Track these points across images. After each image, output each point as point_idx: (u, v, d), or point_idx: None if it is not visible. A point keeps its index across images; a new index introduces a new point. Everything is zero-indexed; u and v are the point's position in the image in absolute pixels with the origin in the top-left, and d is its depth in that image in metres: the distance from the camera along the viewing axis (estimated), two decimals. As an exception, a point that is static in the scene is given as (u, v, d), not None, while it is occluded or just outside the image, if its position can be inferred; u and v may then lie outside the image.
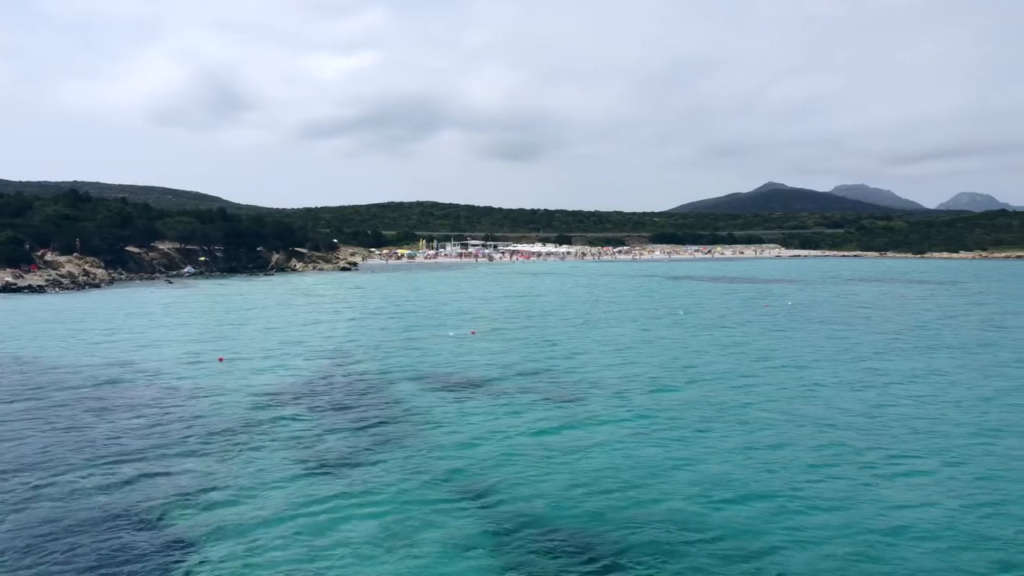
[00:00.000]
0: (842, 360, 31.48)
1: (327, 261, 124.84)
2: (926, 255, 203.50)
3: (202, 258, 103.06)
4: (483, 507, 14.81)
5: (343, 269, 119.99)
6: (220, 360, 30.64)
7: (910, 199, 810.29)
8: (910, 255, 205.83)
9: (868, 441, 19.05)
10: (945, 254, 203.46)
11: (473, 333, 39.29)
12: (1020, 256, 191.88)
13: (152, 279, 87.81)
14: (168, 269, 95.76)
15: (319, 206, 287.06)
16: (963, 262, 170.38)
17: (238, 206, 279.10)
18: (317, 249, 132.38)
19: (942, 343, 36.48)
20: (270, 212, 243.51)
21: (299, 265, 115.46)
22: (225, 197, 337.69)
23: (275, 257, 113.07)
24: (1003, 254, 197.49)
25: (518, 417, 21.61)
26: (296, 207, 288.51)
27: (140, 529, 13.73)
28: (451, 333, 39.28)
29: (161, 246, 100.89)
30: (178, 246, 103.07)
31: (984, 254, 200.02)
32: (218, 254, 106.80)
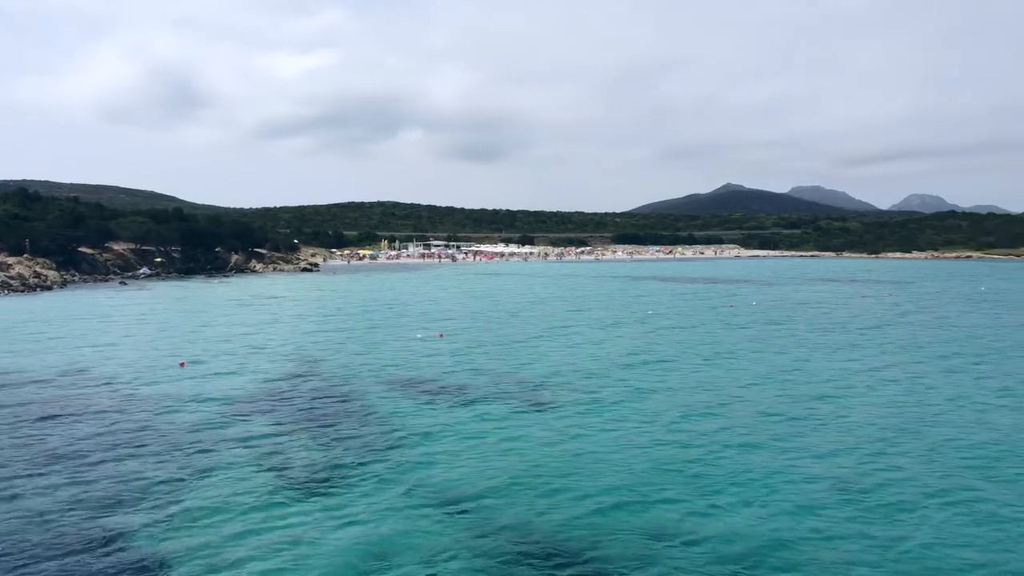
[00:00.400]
0: (811, 359, 31.69)
1: (288, 262, 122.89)
2: (881, 255, 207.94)
3: (158, 259, 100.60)
4: (456, 513, 14.40)
5: (304, 270, 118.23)
6: (182, 365, 29.70)
7: (864, 200, 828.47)
8: (865, 255, 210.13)
9: (853, 445, 19.07)
10: (899, 254, 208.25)
11: (441, 336, 38.77)
12: (969, 256, 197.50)
13: (106, 280, 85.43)
14: (123, 270, 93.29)
15: (278, 206, 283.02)
16: (917, 262, 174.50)
17: (194, 206, 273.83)
18: (277, 250, 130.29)
19: (911, 343, 37.00)
20: (227, 212, 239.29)
21: (259, 266, 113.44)
22: (181, 197, 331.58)
23: (234, 258, 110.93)
24: (954, 254, 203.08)
25: (490, 421, 21.24)
26: (254, 207, 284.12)
27: (95, 547, 13.03)
28: (419, 335, 38.72)
29: (115, 247, 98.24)
30: (133, 247, 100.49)
31: (936, 254, 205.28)
32: (175, 255, 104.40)
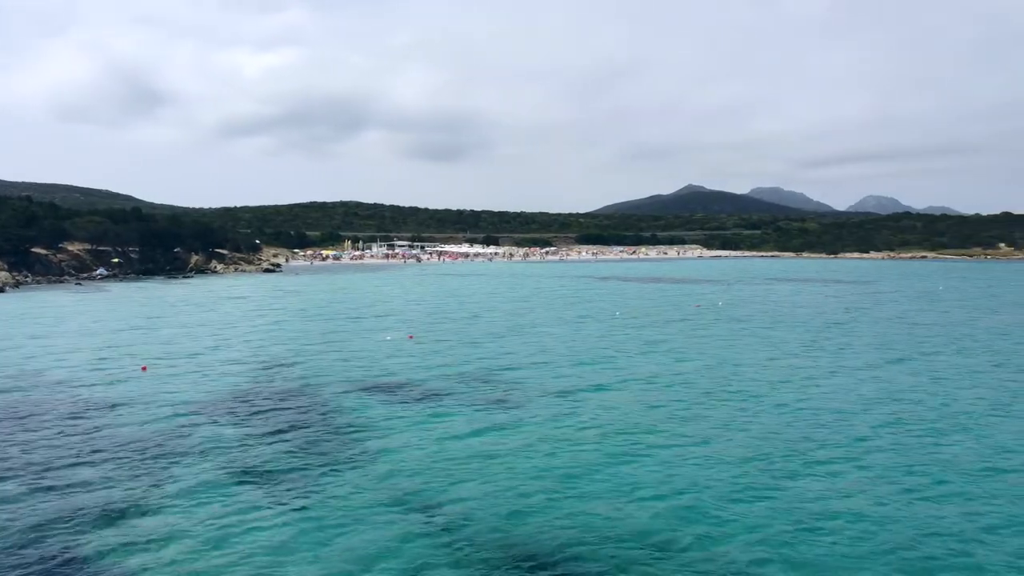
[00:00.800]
0: (780, 358, 31.96)
1: (249, 262, 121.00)
2: (839, 255, 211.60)
3: (115, 260, 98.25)
4: (428, 518, 14.13)
5: (267, 270, 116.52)
6: (143, 369, 28.88)
7: (822, 201, 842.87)
8: (824, 255, 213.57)
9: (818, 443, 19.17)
10: (856, 254, 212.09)
11: (411, 337, 38.34)
12: (924, 256, 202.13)
13: (61, 282, 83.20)
14: (79, 271, 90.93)
15: (238, 206, 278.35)
16: (874, 262, 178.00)
17: (153, 205, 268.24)
18: (238, 250, 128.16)
19: (874, 340, 37.55)
20: (187, 212, 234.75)
21: (220, 267, 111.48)
22: (139, 196, 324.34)
23: (194, 258, 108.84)
24: (909, 254, 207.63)
25: (462, 424, 20.97)
26: (214, 207, 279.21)
27: (51, 559, 12.48)
28: (388, 337, 38.24)
29: (71, 247, 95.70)
30: (89, 247, 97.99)
31: (892, 254, 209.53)
32: (133, 256, 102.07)
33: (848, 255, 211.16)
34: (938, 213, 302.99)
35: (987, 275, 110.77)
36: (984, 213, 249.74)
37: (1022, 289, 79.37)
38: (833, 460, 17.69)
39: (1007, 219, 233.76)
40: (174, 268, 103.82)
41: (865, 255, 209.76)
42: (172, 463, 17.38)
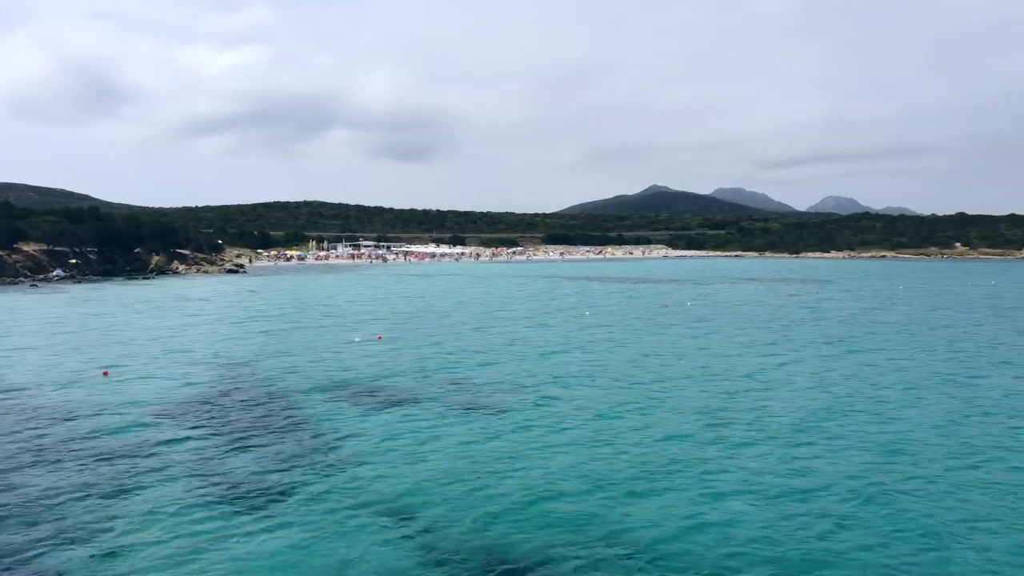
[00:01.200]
0: (752, 356, 32.10)
1: (212, 263, 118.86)
2: (801, 255, 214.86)
3: (72, 260, 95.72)
4: (399, 524, 13.78)
5: (230, 271, 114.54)
6: (104, 374, 28.00)
7: (783, 202, 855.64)
8: (787, 255, 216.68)
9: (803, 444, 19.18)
10: (818, 254, 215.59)
11: (380, 338, 37.82)
12: (884, 256, 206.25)
13: (15, 283, 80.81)
14: (34, 272, 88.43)
15: (200, 205, 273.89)
16: (835, 262, 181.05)
17: (111, 205, 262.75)
18: (201, 250, 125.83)
19: (840, 337, 37.96)
20: (147, 211, 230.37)
21: (182, 268, 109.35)
22: (96, 195, 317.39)
23: (155, 259, 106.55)
24: (869, 254, 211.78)
25: (433, 426, 20.62)
26: (175, 206, 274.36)
27: (6, 572, 11.91)
28: (356, 338, 37.67)
29: (25, 248, 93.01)
30: (45, 247, 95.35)
31: (853, 254, 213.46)
32: (91, 256, 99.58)
33: (810, 255, 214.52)
34: (896, 213, 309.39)
35: (944, 274, 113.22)
36: (940, 213, 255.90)
37: (975, 288, 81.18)
38: (811, 459, 17.69)
39: (962, 219, 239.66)
40: (134, 269, 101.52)
41: (826, 255, 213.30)
42: (135, 470, 16.77)
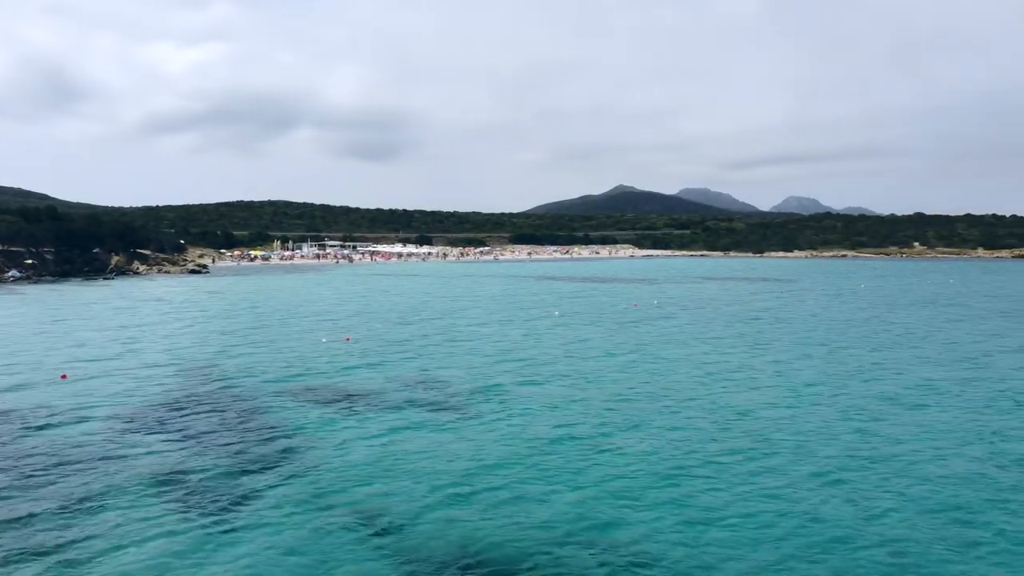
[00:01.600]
0: (725, 355, 32.30)
1: (174, 263, 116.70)
2: (765, 254, 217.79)
3: (29, 261, 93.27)
4: (370, 529, 13.51)
5: (193, 272, 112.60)
6: (63, 377, 27.20)
7: (747, 202, 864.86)
8: (751, 254, 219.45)
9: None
10: (781, 253, 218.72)
11: (348, 339, 37.33)
12: (845, 255, 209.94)
13: (-31, 285, 78.48)
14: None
15: (162, 205, 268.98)
16: (798, 261, 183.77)
17: (69, 204, 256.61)
18: (162, 250, 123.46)
19: (804, 337, 38.38)
20: (106, 211, 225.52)
21: (142, 268, 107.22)
22: (54, 195, 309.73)
23: (115, 259, 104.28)
24: (831, 253, 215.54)
25: (403, 429, 20.34)
26: (136, 206, 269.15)
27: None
28: (324, 339, 37.15)
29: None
30: (0, 248, 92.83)
31: (815, 253, 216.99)
32: (48, 256, 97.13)
33: (773, 254, 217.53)
34: (856, 213, 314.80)
35: (902, 273, 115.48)
36: (898, 214, 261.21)
37: (934, 287, 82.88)
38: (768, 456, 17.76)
39: (920, 219, 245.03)
40: (93, 269, 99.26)
41: (789, 254, 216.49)
42: (94, 475, 16.25)
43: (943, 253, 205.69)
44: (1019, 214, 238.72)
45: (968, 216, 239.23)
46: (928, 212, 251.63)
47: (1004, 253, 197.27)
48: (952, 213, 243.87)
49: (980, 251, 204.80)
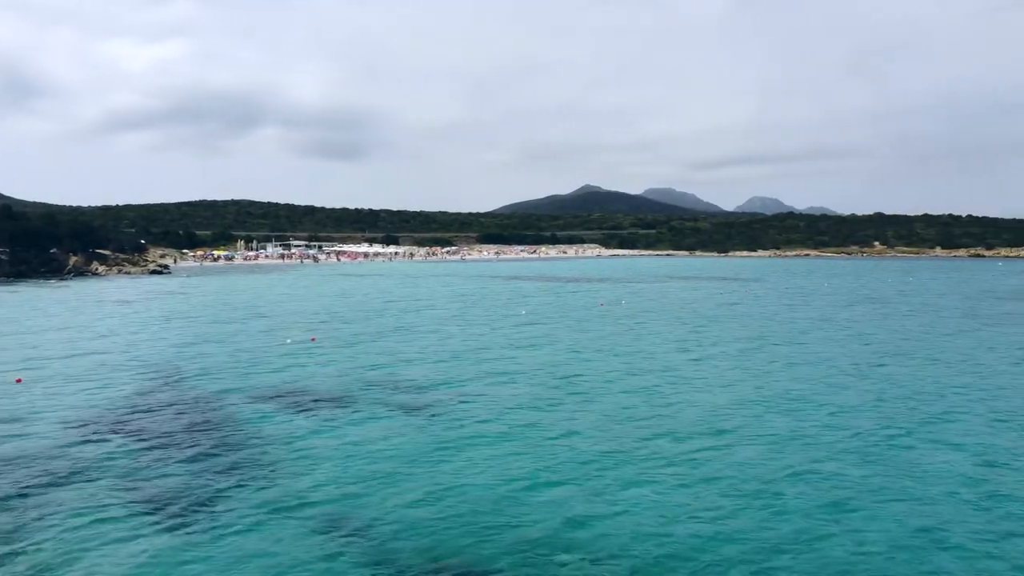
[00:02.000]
0: (688, 353, 32.43)
1: (134, 264, 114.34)
2: (730, 254, 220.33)
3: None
4: (340, 536, 13.23)
5: (154, 272, 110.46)
6: (18, 381, 26.37)
7: (711, 202, 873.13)
8: (716, 254, 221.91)
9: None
10: (745, 252, 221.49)
11: (314, 340, 36.81)
12: (807, 254, 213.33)
13: (-81, 286, 76.08)
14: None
15: (121, 204, 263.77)
16: (763, 260, 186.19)
17: (24, 203, 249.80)
18: (122, 251, 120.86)
19: (768, 335, 38.74)
20: (63, 210, 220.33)
21: (102, 268, 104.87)
22: (9, 194, 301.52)
23: (73, 260, 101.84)
24: (794, 252, 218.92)
25: (372, 432, 20.03)
26: (95, 205, 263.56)
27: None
28: (288, 340, 36.57)
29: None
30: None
31: (779, 252, 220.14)
32: (2, 257, 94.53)
33: (738, 253, 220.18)
34: (818, 213, 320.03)
35: (864, 271, 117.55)
36: (859, 213, 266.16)
37: (892, 286, 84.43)
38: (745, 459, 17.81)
39: (880, 219, 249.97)
40: (50, 270, 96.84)
41: (753, 253, 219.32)
42: (53, 482, 15.71)
43: (902, 252, 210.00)
44: (975, 214, 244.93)
45: (926, 216, 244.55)
46: (888, 212, 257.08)
47: (961, 252, 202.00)
48: (911, 213, 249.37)
49: (938, 250, 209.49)
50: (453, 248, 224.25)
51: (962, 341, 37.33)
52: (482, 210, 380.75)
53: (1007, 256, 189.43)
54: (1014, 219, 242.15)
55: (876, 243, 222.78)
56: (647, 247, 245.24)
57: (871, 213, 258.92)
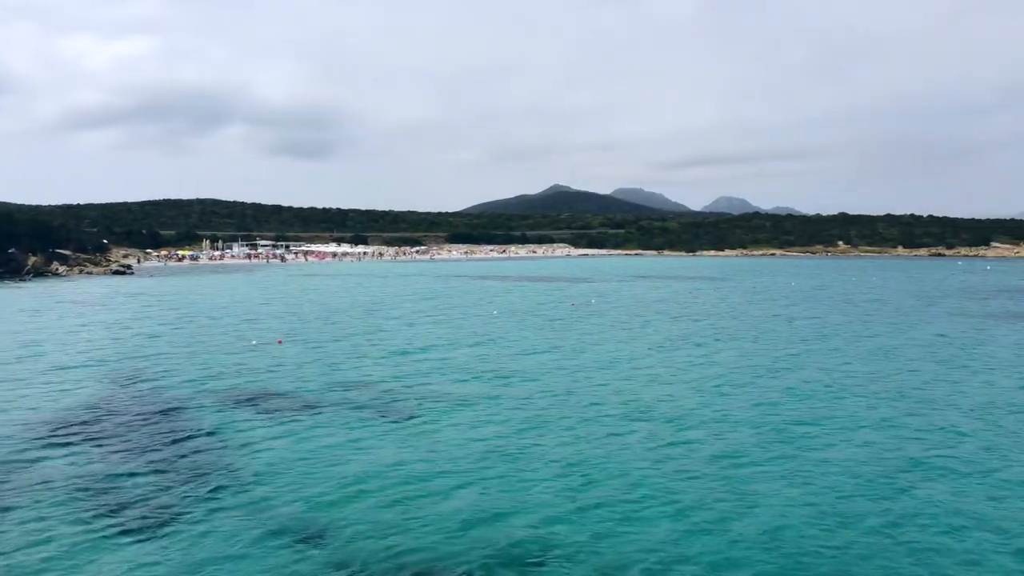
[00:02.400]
0: (659, 352, 32.52)
1: (97, 264, 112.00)
2: (698, 253, 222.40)
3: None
4: (310, 544, 12.95)
5: (116, 272, 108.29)
6: (-30, 385, 25.58)
7: (679, 202, 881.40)
8: (684, 253, 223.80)
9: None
10: (713, 252, 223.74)
11: (280, 342, 36.27)
12: (773, 254, 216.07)
13: None
14: None
15: (83, 203, 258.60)
16: (730, 259, 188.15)
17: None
18: (84, 250, 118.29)
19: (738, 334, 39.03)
20: (22, 209, 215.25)
21: (62, 269, 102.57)
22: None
23: (32, 260, 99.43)
24: (760, 251, 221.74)
25: (341, 435, 19.71)
26: (55, 204, 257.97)
27: None
28: (254, 342, 35.98)
29: None
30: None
31: (745, 252, 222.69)
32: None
33: (706, 253, 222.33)
34: (784, 213, 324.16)
35: (825, 271, 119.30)
36: (824, 213, 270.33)
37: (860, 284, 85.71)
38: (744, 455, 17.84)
39: (843, 219, 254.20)
40: (8, 271, 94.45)
41: (721, 253, 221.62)
42: (8, 490, 15.19)
43: (866, 252, 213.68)
44: (935, 214, 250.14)
45: (888, 216, 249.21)
46: (851, 212, 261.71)
47: (922, 252, 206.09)
48: (874, 213, 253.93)
49: (900, 249, 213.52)
50: (422, 248, 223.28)
51: (911, 334, 37.95)
52: (451, 210, 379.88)
53: (966, 255, 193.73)
54: (973, 219, 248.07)
55: (840, 243, 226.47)
56: (616, 247, 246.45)
57: (835, 213, 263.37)
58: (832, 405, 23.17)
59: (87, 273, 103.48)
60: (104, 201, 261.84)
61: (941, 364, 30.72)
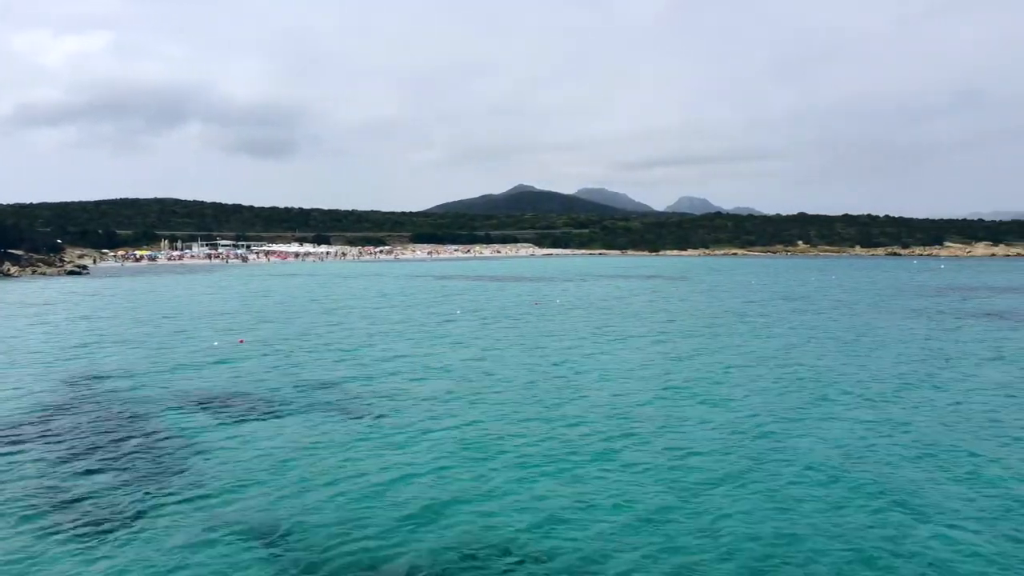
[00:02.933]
0: (631, 350, 32.76)
1: (50, 264, 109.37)
2: (661, 252, 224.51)
3: None
4: (272, 546, 12.83)
5: (71, 273, 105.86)
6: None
7: (642, 202, 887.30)
8: (647, 252, 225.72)
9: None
10: (676, 251, 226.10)
11: (241, 342, 35.79)
12: (735, 253, 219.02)
13: None
14: None
15: (36, 202, 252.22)
16: (692, 259, 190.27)
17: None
18: (37, 251, 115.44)
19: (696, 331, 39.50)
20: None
21: (14, 269, 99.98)
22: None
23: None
24: (722, 251, 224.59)
25: (306, 437, 19.52)
26: (6, 203, 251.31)
27: None
28: (215, 343, 35.46)
29: None
30: None
31: (707, 251, 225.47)
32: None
33: (669, 252, 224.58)
34: (744, 213, 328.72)
35: (783, 270, 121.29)
36: (784, 214, 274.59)
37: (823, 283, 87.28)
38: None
39: (803, 219, 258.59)
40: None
41: (684, 252, 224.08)
42: (-44, 499, 14.78)
43: (825, 251, 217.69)
44: (892, 214, 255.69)
45: (846, 216, 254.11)
46: (810, 212, 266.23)
47: (879, 251, 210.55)
48: (832, 213, 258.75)
49: (858, 249, 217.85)
50: (386, 248, 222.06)
51: (869, 332, 38.80)
52: (415, 209, 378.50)
53: (920, 255, 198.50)
54: (927, 219, 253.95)
55: (800, 242, 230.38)
56: (580, 246, 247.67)
57: (795, 213, 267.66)
58: (782, 399, 23.58)
59: (40, 274, 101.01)
60: (58, 200, 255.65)
61: (901, 360, 31.40)
